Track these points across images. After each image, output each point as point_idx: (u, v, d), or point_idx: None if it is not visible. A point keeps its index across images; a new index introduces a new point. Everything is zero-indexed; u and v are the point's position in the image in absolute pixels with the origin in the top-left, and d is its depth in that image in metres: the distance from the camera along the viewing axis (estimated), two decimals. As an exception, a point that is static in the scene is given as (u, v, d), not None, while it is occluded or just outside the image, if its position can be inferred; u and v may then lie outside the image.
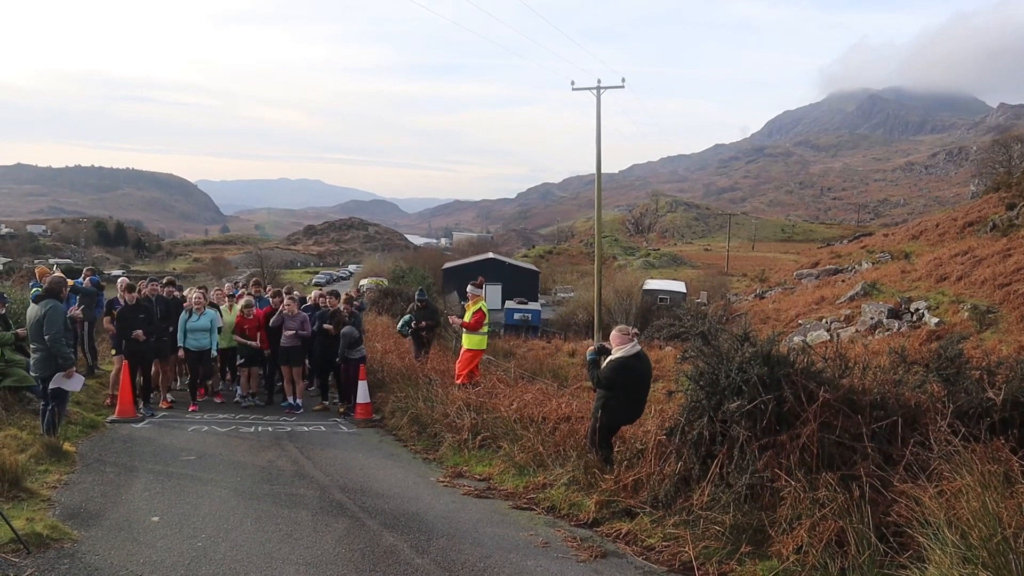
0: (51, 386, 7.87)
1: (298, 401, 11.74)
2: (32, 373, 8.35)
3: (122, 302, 11.27)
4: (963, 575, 4.02)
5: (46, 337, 7.66)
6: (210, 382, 12.35)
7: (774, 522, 5.35)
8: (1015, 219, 38.29)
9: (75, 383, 8.13)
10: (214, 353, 11.68)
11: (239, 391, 12.33)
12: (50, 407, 7.94)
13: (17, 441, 7.58)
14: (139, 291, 11.07)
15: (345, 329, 11.50)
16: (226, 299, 12.65)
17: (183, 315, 11.35)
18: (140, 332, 10.41)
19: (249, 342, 11.73)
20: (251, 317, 11.83)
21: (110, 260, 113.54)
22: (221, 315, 11.83)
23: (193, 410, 11.22)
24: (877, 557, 4.77)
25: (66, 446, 7.90)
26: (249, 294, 13.34)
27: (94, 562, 5.10)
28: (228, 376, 13.14)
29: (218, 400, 12.04)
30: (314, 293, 13.44)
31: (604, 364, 7.08)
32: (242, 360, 12.05)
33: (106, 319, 11.85)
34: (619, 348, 7.00)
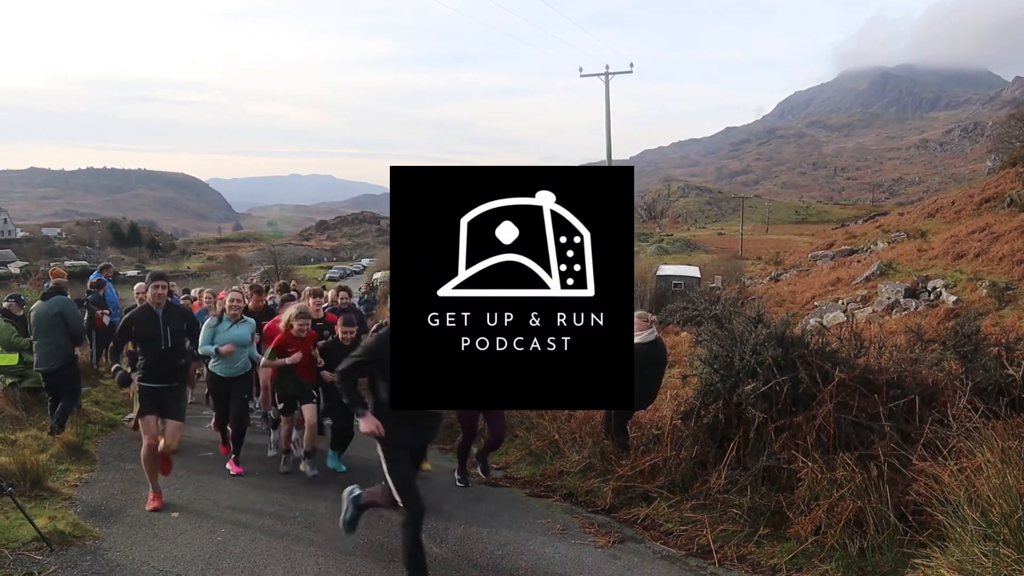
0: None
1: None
2: (37, 368, 8.49)
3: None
4: (984, 552, 3.98)
5: (69, 325, 8.20)
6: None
7: (792, 503, 5.33)
8: (1033, 194, 37.76)
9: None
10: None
11: (278, 445, 7.86)
12: (61, 402, 8.17)
13: (38, 441, 7.68)
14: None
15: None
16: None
17: (209, 322, 7.45)
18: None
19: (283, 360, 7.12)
20: (304, 335, 7.19)
21: (125, 260, 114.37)
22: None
23: (225, 453, 7.85)
24: (896, 536, 4.74)
25: (86, 445, 8.01)
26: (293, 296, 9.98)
27: (115, 558, 5.16)
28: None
29: (234, 471, 7.39)
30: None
31: None
32: (283, 405, 7.42)
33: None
34: (637, 334, 6.97)
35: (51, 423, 8.18)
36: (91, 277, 12.78)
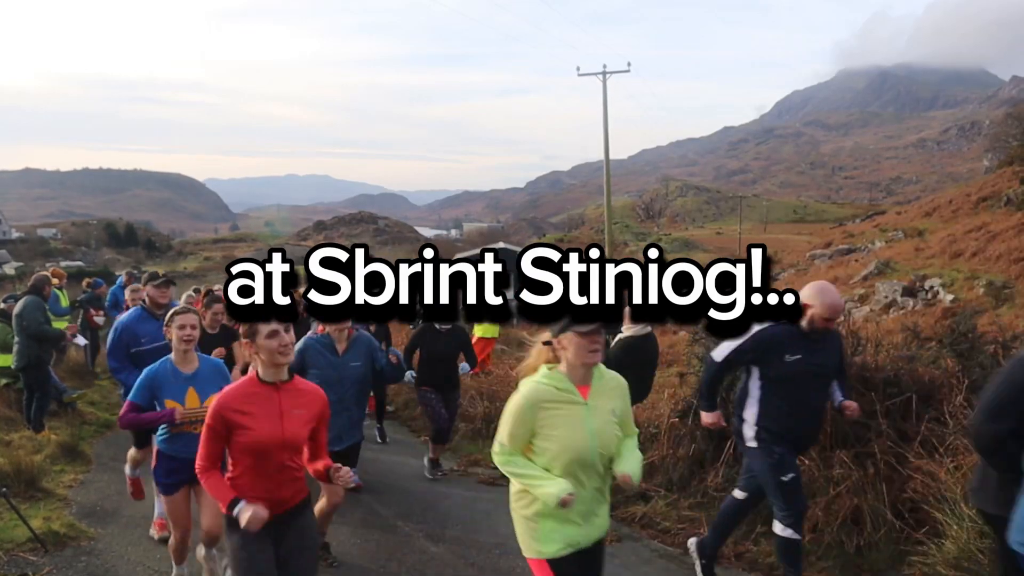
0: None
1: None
2: (13, 365, 8.43)
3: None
4: (980, 549, 3.98)
5: (24, 326, 8.00)
6: None
7: (789, 502, 5.31)
8: (1030, 192, 37.80)
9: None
10: None
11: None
12: (35, 398, 8.15)
13: (33, 442, 7.65)
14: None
15: None
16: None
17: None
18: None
19: None
20: None
21: (121, 261, 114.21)
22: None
23: None
24: (893, 534, 4.74)
25: (81, 446, 7.99)
26: None
27: (111, 559, 5.14)
28: None
29: None
30: None
31: (613, 343, 7.01)
32: None
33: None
34: (630, 327, 6.92)
35: (25, 422, 8.21)
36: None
